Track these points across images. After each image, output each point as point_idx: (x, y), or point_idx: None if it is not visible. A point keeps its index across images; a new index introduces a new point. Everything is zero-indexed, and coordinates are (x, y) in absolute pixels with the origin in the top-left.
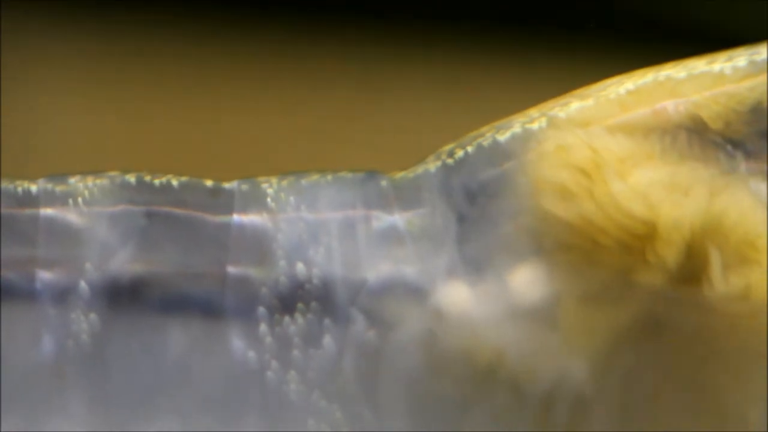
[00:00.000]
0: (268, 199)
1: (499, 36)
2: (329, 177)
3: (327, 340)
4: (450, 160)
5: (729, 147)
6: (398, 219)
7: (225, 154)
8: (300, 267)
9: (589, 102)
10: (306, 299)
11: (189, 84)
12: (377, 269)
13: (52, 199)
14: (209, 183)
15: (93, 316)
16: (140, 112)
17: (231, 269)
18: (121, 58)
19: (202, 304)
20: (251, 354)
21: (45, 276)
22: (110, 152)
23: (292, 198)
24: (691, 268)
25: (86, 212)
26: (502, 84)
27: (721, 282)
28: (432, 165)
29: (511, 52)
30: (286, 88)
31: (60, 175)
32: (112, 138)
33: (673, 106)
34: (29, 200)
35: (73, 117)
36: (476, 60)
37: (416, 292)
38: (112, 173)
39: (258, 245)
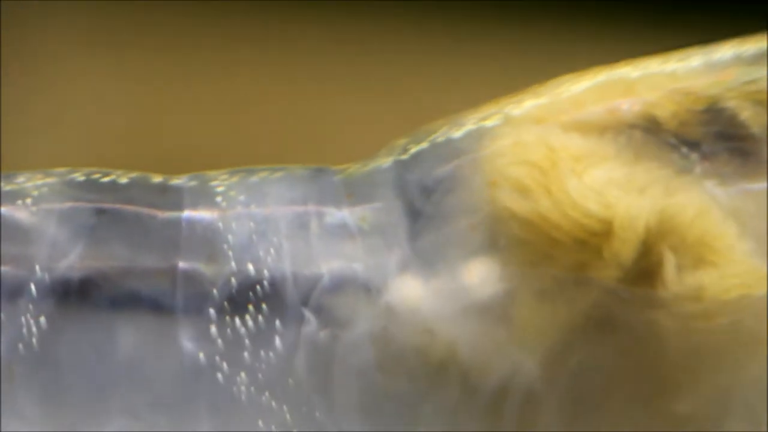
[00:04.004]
0: (219, 198)
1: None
2: (279, 173)
3: (278, 341)
4: (403, 156)
5: (684, 148)
6: (350, 215)
7: (221, 122)
8: (250, 267)
9: (544, 100)
10: (256, 300)
11: (193, 54)
12: (329, 267)
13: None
14: (157, 179)
15: (42, 315)
16: (144, 84)
17: (181, 267)
18: (125, 25)
19: (152, 303)
20: (201, 355)
21: None
22: (112, 123)
23: (242, 196)
24: (646, 267)
25: (35, 211)
26: (450, 71)
27: (675, 282)
28: (384, 160)
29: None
30: (284, 58)
31: (9, 174)
32: (114, 106)
33: (628, 105)
34: None
35: (75, 84)
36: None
37: (368, 289)
38: (61, 170)
39: (208, 244)
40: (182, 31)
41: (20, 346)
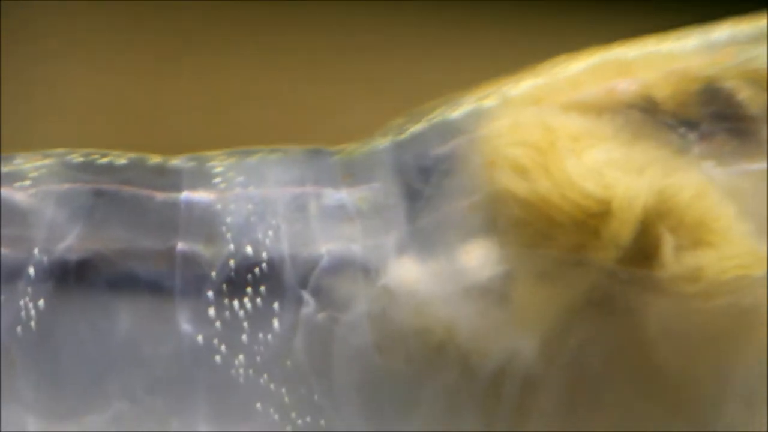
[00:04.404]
0: (217, 179)
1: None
2: (277, 154)
3: (276, 323)
4: (401, 136)
5: (682, 129)
6: (348, 196)
7: (218, 113)
8: (248, 249)
9: (541, 80)
10: (255, 282)
11: (184, 42)
12: (327, 249)
13: None
14: (155, 160)
15: (41, 297)
16: (139, 72)
17: (179, 249)
18: (119, 20)
19: (150, 285)
20: (200, 337)
21: None
22: (110, 113)
23: (240, 177)
24: (644, 248)
25: (33, 193)
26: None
27: (673, 263)
28: (382, 141)
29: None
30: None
31: (7, 156)
32: (111, 98)
33: (625, 86)
34: None
35: (74, 77)
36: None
37: (367, 271)
38: (59, 151)
39: (206, 225)
40: (173, 19)
41: (19, 329)
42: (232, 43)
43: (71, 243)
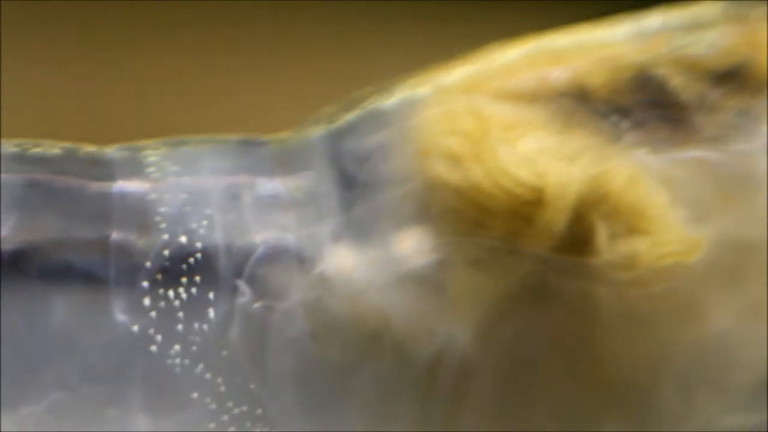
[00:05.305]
0: (151, 168)
1: None
2: (211, 143)
3: (212, 312)
4: (335, 125)
5: (614, 116)
6: (282, 185)
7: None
8: (183, 239)
9: (474, 68)
10: (189, 272)
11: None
12: (262, 238)
13: None
14: (88, 150)
15: None
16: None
17: (113, 239)
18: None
19: (84, 275)
20: (135, 327)
21: None
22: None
23: (174, 167)
24: (578, 236)
25: None
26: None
27: (608, 250)
28: (315, 129)
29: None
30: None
31: None
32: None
33: (557, 74)
34: None
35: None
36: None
37: (302, 259)
38: None
39: (140, 215)
40: (106, 8)
41: None
42: (163, 33)
43: (5, 234)
